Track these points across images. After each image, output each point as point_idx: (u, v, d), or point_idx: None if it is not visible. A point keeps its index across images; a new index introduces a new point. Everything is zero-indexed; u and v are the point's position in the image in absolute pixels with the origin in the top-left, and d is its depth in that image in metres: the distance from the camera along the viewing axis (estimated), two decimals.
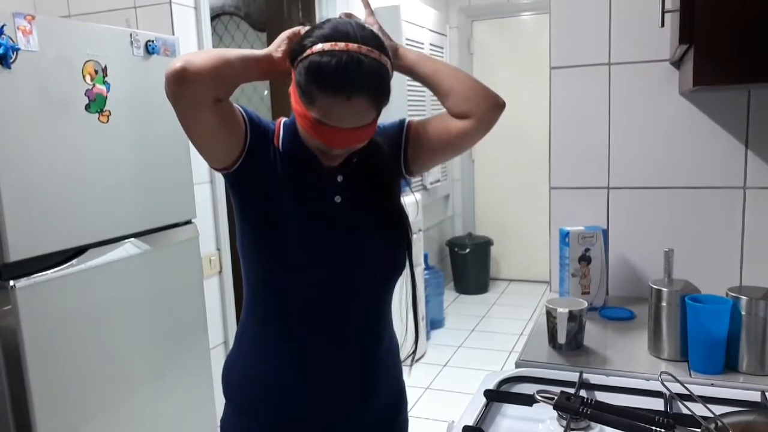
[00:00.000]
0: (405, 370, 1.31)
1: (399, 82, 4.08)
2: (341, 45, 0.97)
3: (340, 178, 1.14)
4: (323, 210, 1.12)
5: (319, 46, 0.98)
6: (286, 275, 1.08)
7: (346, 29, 1.00)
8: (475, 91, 1.17)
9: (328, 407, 1.15)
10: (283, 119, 1.16)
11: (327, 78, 0.97)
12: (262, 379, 1.16)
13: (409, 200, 1.27)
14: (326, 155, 1.08)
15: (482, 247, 5.09)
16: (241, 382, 1.19)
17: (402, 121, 1.22)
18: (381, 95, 1.02)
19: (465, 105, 1.16)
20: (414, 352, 1.31)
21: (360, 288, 1.14)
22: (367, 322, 1.17)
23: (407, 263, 1.19)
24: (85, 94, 1.83)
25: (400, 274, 1.19)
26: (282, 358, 1.14)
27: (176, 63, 0.97)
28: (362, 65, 0.97)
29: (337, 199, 1.13)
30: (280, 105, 3.52)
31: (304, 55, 1.00)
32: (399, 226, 1.16)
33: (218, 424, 1.26)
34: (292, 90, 1.05)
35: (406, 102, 3.92)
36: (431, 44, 4.54)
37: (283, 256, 1.07)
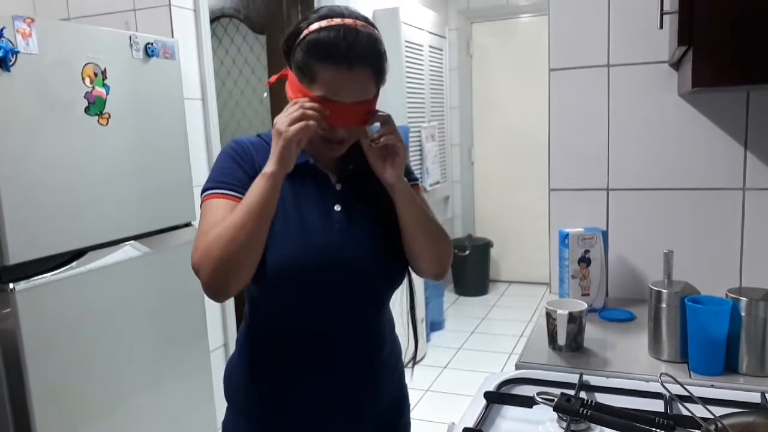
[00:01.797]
0: (407, 372, 1.31)
1: (398, 82, 4.08)
2: (337, 20, 1.01)
3: (338, 186, 1.14)
4: (324, 219, 1.11)
5: (315, 25, 1.02)
6: (286, 283, 1.08)
7: (339, 10, 1.04)
8: (441, 260, 1.16)
9: (330, 410, 1.15)
10: None
11: (327, 49, 1.00)
12: (262, 383, 1.16)
13: None
14: (329, 144, 1.08)
15: (482, 248, 5.09)
16: (243, 385, 1.19)
17: (412, 177, 1.22)
18: (380, 65, 1.04)
19: (424, 270, 1.16)
20: (414, 355, 1.31)
21: (360, 294, 1.14)
22: (369, 326, 1.18)
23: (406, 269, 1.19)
24: (84, 96, 1.83)
25: (401, 279, 1.19)
26: (282, 361, 1.14)
27: (208, 291, 1.03)
28: (360, 35, 1.01)
29: (337, 207, 1.12)
30: (279, 107, 3.52)
31: (302, 36, 1.03)
32: (397, 231, 1.16)
33: (218, 426, 1.26)
34: (289, 84, 1.07)
35: (405, 105, 3.92)
36: (430, 46, 4.54)
37: (284, 265, 1.07)
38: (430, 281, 4.12)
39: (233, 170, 1.09)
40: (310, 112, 0.99)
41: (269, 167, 1.00)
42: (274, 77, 1.14)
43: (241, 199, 1.05)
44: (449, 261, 1.19)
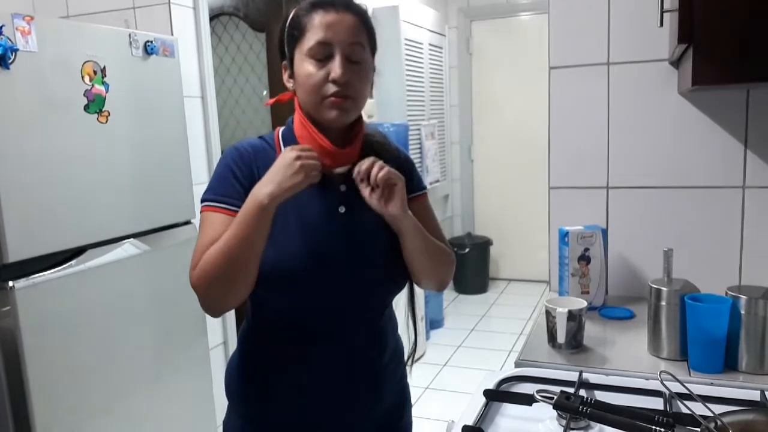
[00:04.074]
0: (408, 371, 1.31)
1: (398, 80, 4.07)
2: None
3: (343, 188, 1.13)
4: (328, 220, 1.11)
5: (303, 2, 1.09)
6: (290, 284, 1.08)
7: None
8: (441, 279, 1.20)
9: (331, 410, 1.15)
10: (280, 129, 1.17)
11: (314, 2, 1.07)
12: (262, 382, 1.16)
13: None
14: (332, 112, 1.07)
15: (481, 246, 5.09)
16: (243, 384, 1.19)
17: (421, 186, 1.24)
18: (366, 19, 1.10)
19: (424, 286, 1.20)
20: (413, 353, 1.31)
21: (363, 295, 1.13)
22: (371, 328, 1.17)
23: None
24: (84, 94, 1.83)
25: (404, 282, 1.19)
26: (284, 361, 1.14)
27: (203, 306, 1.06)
28: None
29: (341, 209, 1.12)
30: (279, 106, 3.51)
31: (289, 19, 1.09)
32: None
33: (218, 424, 1.26)
34: (285, 68, 1.13)
35: (405, 103, 3.92)
36: (430, 44, 4.54)
37: (286, 266, 1.06)
38: None
39: (229, 182, 1.09)
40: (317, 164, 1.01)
41: (266, 197, 0.98)
42: (271, 101, 1.22)
43: (236, 212, 1.04)
44: (450, 277, 1.22)
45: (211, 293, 1.04)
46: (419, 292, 3.79)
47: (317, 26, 1.05)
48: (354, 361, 1.15)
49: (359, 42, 1.08)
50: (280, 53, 1.14)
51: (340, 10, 1.06)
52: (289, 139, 1.13)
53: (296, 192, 1.00)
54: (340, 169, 1.12)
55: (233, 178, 1.09)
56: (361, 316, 1.15)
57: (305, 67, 1.06)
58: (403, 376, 1.28)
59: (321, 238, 1.09)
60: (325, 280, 1.08)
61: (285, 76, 1.14)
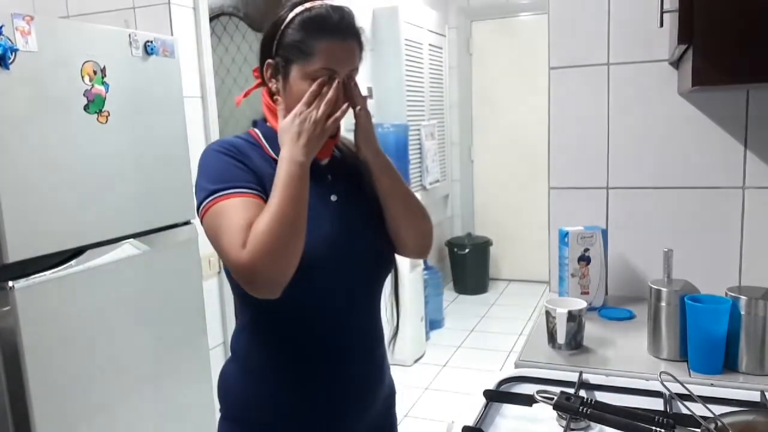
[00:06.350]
0: (387, 351, 1.28)
1: (398, 81, 4.06)
2: (317, 2, 1.10)
3: (329, 177, 1.15)
4: (324, 209, 1.11)
5: (299, 8, 1.09)
6: (302, 273, 1.07)
7: None
8: (420, 230, 1.20)
9: (328, 408, 1.14)
10: (255, 129, 1.19)
11: (322, 25, 1.07)
12: (259, 381, 1.14)
13: None
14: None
15: (481, 247, 5.09)
16: (239, 392, 1.16)
17: None
18: (361, 39, 1.13)
19: (407, 243, 1.19)
20: (395, 335, 1.30)
21: (357, 286, 1.14)
22: (366, 320, 1.17)
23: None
24: (83, 94, 1.83)
25: (394, 262, 1.22)
26: (279, 361, 1.13)
27: (255, 285, 1.00)
28: (344, 11, 1.10)
29: (333, 198, 1.13)
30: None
31: (287, 21, 1.08)
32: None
33: (217, 424, 1.25)
34: (269, 66, 1.13)
35: (405, 103, 3.92)
36: (430, 44, 4.54)
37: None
38: (430, 281, 4.12)
39: (237, 169, 1.07)
40: (337, 110, 1.07)
41: (300, 156, 1.03)
42: (242, 95, 1.25)
43: (258, 195, 1.04)
44: (430, 240, 1.22)
45: (274, 265, 0.97)
46: (419, 293, 3.78)
47: (324, 53, 1.06)
48: (350, 358, 1.14)
49: (356, 67, 1.12)
50: (266, 50, 1.13)
51: (347, 38, 1.08)
52: (272, 136, 1.13)
53: (324, 141, 1.07)
54: (324, 161, 1.16)
55: (239, 165, 1.08)
56: (356, 307, 1.15)
57: (304, 87, 1.07)
58: (389, 365, 1.26)
59: (321, 226, 1.09)
60: (320, 271, 1.07)
61: (267, 74, 1.13)
